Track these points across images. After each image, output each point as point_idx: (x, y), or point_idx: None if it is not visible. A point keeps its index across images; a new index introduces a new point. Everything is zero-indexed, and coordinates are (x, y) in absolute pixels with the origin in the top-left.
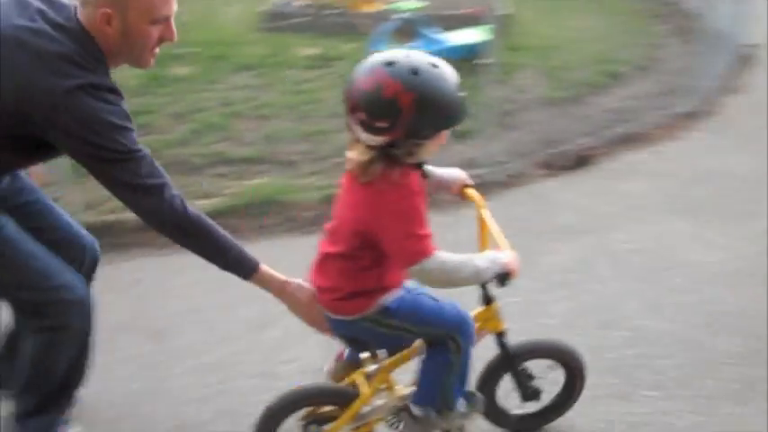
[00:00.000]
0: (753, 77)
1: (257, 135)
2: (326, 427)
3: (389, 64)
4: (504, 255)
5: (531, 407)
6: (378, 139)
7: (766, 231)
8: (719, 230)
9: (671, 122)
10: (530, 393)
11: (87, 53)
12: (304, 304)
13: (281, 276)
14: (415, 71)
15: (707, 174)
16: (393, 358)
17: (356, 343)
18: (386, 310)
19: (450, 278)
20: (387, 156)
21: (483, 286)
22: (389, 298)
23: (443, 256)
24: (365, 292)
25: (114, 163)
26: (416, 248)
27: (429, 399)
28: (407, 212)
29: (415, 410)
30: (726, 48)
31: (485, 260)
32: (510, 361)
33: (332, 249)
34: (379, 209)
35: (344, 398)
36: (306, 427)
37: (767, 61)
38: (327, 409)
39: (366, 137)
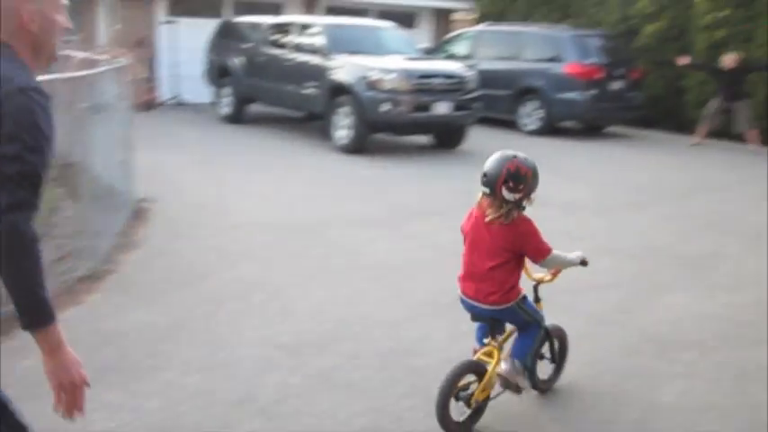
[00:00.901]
0: (147, 231)
1: None
2: (471, 390)
3: (515, 156)
4: (579, 252)
5: (547, 373)
6: (515, 196)
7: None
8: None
9: (72, 287)
10: (552, 359)
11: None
12: (73, 361)
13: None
14: (526, 158)
15: (112, 335)
16: (505, 335)
17: (496, 323)
18: (524, 298)
19: (561, 263)
20: (516, 206)
21: (536, 288)
22: (522, 293)
23: (556, 252)
24: (513, 288)
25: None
26: (544, 249)
27: (522, 355)
28: (536, 232)
29: (517, 362)
30: (120, 204)
31: (573, 255)
32: (549, 337)
33: (488, 265)
34: (520, 234)
35: (481, 368)
36: (456, 398)
37: (160, 214)
38: (465, 382)
39: (511, 197)
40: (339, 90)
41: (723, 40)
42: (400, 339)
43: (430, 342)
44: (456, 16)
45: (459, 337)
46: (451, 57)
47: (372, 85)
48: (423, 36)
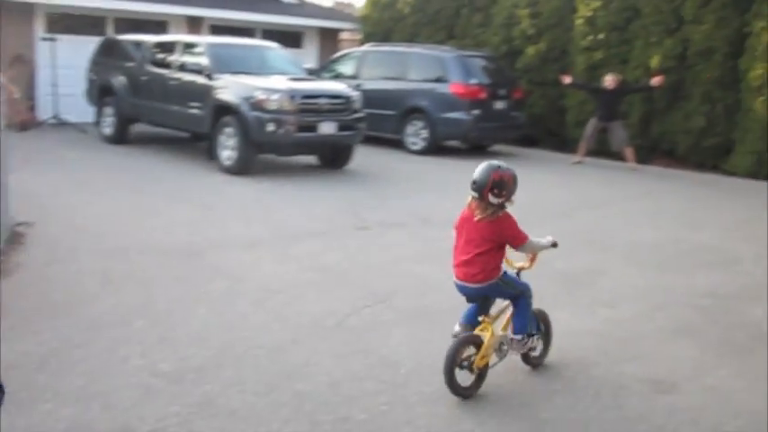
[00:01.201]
0: (23, 256)
1: None
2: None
3: (499, 166)
4: (550, 237)
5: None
6: (499, 200)
7: None
8: None
9: None
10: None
11: None
12: None
13: None
14: (508, 167)
15: None
16: (498, 312)
17: (484, 300)
18: (504, 274)
19: (536, 248)
20: (500, 206)
21: (518, 273)
22: (502, 269)
23: (531, 238)
24: (495, 267)
25: None
26: (522, 237)
27: (522, 329)
28: (515, 225)
29: (517, 337)
30: None
31: (545, 239)
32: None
33: (474, 252)
34: (503, 227)
35: (479, 340)
36: (460, 367)
37: (38, 238)
38: (467, 354)
39: (496, 201)
40: (224, 110)
41: (601, 61)
42: (284, 363)
43: (314, 366)
44: (342, 36)
45: (344, 360)
46: (338, 77)
47: (257, 106)
48: (309, 56)
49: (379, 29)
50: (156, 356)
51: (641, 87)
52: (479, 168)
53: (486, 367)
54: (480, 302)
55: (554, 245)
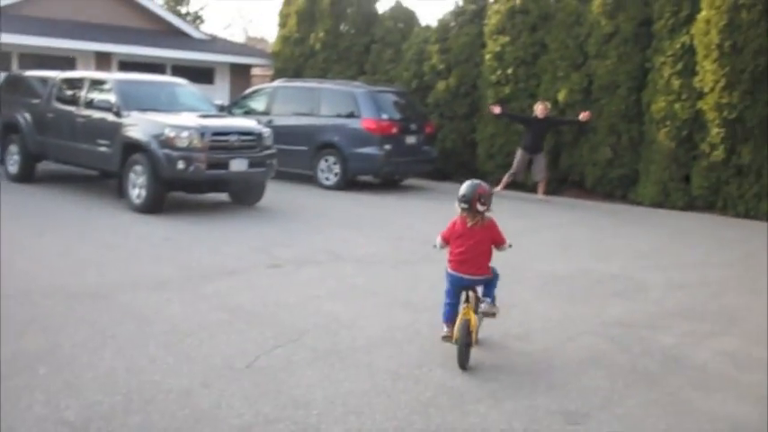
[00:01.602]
0: None
1: None
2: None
3: (480, 183)
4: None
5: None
6: (484, 208)
7: None
8: None
9: None
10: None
11: None
12: None
13: None
14: (486, 184)
15: None
16: (472, 302)
17: (471, 290)
18: (493, 269)
19: (506, 248)
20: (483, 214)
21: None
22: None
23: (508, 241)
24: (489, 262)
25: None
26: (504, 240)
27: (492, 298)
28: (500, 230)
29: (488, 300)
30: None
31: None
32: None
33: (478, 252)
34: (493, 232)
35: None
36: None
37: None
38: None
39: (482, 208)
40: (133, 148)
41: (509, 95)
42: (194, 407)
43: (225, 409)
44: (254, 72)
45: (255, 402)
46: (249, 113)
47: (167, 143)
48: (221, 92)
49: (290, 65)
50: (60, 404)
51: (569, 121)
52: (465, 186)
53: (475, 336)
54: (467, 292)
55: (510, 246)
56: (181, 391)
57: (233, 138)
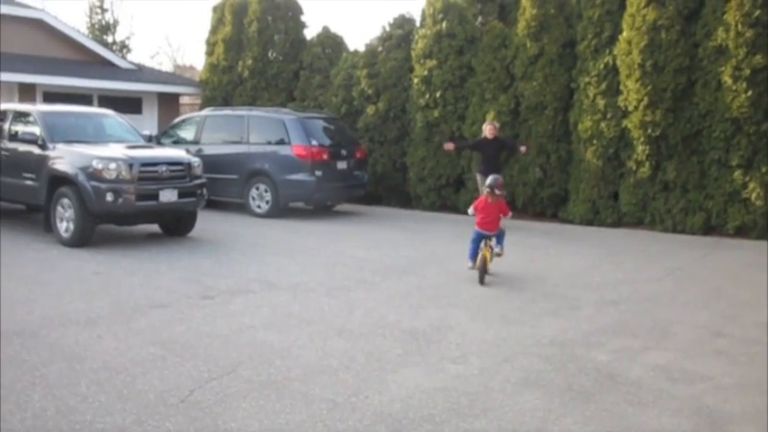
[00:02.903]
0: None
1: None
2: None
3: (497, 178)
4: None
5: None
6: (500, 192)
7: None
8: None
9: None
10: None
11: None
12: None
13: None
14: (501, 177)
15: None
16: (488, 245)
17: (487, 239)
18: (501, 228)
19: (509, 217)
20: (498, 196)
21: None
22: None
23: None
24: (499, 222)
25: None
26: (507, 212)
27: (501, 243)
28: (506, 206)
29: (499, 246)
30: None
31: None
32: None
33: (493, 217)
34: (503, 205)
35: (485, 258)
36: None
37: None
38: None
39: (499, 192)
40: (60, 181)
41: (438, 119)
42: None
43: None
44: (183, 101)
45: None
46: (178, 142)
47: (95, 175)
48: (149, 121)
49: (219, 93)
50: None
51: (511, 147)
52: (490, 178)
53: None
54: (485, 239)
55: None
56: (114, 429)
57: (162, 168)
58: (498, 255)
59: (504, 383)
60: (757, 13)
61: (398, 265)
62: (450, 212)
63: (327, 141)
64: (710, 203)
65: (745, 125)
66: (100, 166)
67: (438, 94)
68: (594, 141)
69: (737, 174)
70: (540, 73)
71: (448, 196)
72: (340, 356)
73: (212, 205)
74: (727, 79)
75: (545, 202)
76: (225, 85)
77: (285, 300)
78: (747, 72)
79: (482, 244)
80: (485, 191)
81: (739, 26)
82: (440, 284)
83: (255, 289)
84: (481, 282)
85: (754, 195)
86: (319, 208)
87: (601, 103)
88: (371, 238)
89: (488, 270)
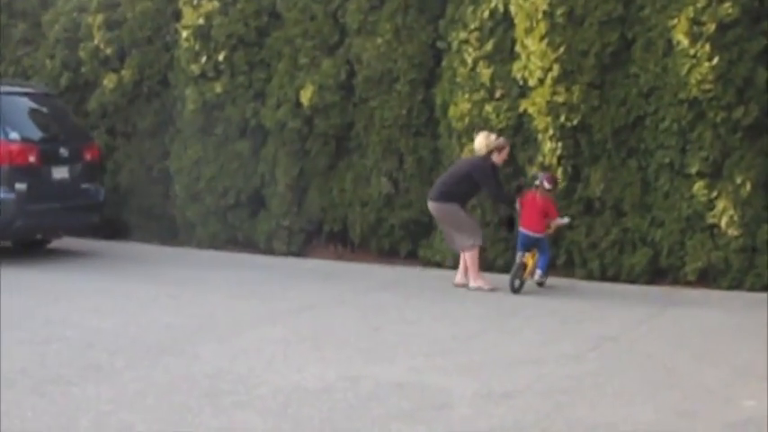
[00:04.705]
0: None
1: None
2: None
3: (546, 174)
4: (567, 218)
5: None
6: (549, 186)
7: None
8: None
9: None
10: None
11: None
12: None
13: None
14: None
15: None
16: (532, 252)
17: (532, 246)
18: (544, 243)
19: (558, 224)
20: (548, 191)
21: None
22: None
23: (558, 219)
24: (543, 228)
25: None
26: (555, 216)
27: (544, 270)
28: (553, 206)
29: (540, 272)
30: None
31: (564, 219)
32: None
33: (540, 214)
34: (550, 204)
35: (525, 265)
36: (515, 277)
37: None
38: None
39: (548, 186)
40: None
41: (221, 97)
42: None
43: None
44: None
45: None
46: None
47: None
48: None
49: None
50: None
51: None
52: (541, 174)
53: (525, 277)
54: (530, 246)
55: (569, 225)
56: None
57: None
58: (540, 284)
59: None
60: None
61: (153, 339)
62: (241, 250)
63: (37, 134)
64: (658, 233)
65: (710, 110)
66: None
67: (221, 57)
68: (475, 134)
69: (699, 186)
70: (388, 24)
71: (239, 224)
72: None
73: None
74: (682, 38)
75: (396, 234)
76: None
77: None
78: (712, 27)
79: (525, 253)
80: (534, 187)
81: None
82: (221, 371)
83: None
84: (512, 287)
85: (724, 220)
86: (24, 244)
87: (485, 73)
88: (110, 294)
89: (524, 277)
